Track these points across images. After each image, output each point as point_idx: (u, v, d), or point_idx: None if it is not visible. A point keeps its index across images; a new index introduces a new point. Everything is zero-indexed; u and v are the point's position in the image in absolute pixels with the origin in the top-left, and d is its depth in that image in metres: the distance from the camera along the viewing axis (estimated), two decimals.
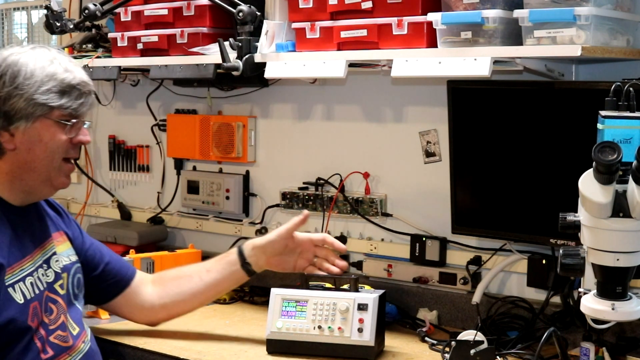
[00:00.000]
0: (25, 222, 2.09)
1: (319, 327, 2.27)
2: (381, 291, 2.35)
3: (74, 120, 2.06)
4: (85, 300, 2.27)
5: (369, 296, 2.29)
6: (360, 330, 2.25)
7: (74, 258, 2.22)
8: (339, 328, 2.26)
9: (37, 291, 2.02)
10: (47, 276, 2.08)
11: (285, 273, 2.47)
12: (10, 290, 1.96)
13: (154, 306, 2.41)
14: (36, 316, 2.00)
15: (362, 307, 2.27)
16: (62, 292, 2.11)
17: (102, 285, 2.35)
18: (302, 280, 2.38)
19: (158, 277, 2.48)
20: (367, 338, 2.25)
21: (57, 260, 2.14)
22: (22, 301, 1.98)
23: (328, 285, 2.40)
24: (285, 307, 2.31)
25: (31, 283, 2.02)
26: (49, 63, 2.04)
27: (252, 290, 2.96)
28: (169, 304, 2.42)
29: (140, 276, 2.43)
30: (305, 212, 2.42)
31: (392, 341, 2.42)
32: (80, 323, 2.17)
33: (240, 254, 2.42)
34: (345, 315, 2.27)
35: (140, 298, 2.40)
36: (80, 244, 2.30)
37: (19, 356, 1.96)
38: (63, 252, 2.18)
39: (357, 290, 2.33)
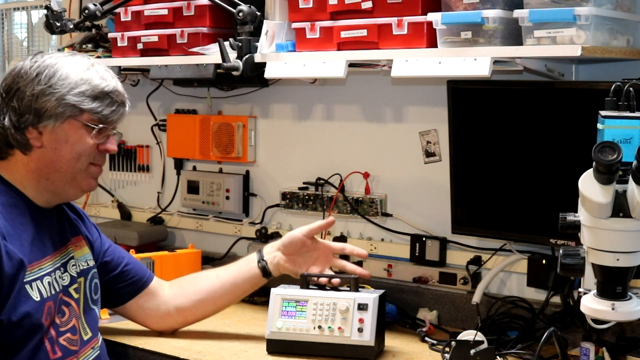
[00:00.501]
0: (48, 223, 2.11)
1: (319, 327, 2.27)
2: (381, 291, 2.35)
3: (101, 125, 2.07)
4: (102, 303, 2.28)
5: (369, 296, 2.29)
6: (360, 330, 2.25)
7: (92, 263, 2.23)
8: (339, 328, 2.25)
9: (53, 291, 2.04)
10: (63, 279, 2.10)
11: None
12: (27, 287, 1.97)
13: (169, 310, 2.41)
14: (49, 315, 2.01)
15: (362, 307, 2.27)
16: (76, 296, 2.12)
17: (119, 285, 2.36)
18: (302, 280, 2.38)
19: (176, 280, 2.49)
20: (367, 338, 2.25)
21: (74, 265, 2.15)
22: (39, 299, 1.99)
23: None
24: (285, 307, 2.31)
25: (49, 283, 2.03)
26: (85, 69, 2.07)
27: None
28: (184, 306, 2.42)
29: (157, 281, 2.44)
30: (331, 218, 2.46)
31: (392, 341, 2.42)
32: (95, 329, 2.18)
33: (259, 252, 2.44)
34: (345, 315, 2.26)
35: (156, 301, 2.41)
36: (99, 245, 2.32)
37: (30, 354, 1.97)
38: (81, 257, 2.19)
39: (357, 290, 2.33)
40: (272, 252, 2.44)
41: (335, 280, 2.37)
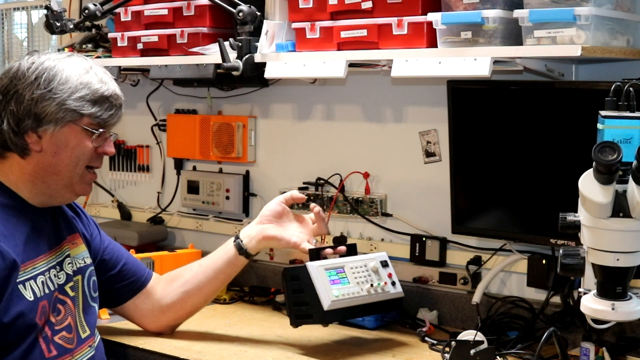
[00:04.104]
0: (42, 222, 2.10)
1: (371, 285, 2.34)
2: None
3: (101, 130, 2.08)
4: (100, 303, 2.27)
5: (383, 254, 2.47)
6: (393, 283, 2.41)
7: (89, 261, 2.23)
8: (385, 283, 2.38)
9: (47, 290, 2.03)
10: (59, 278, 2.09)
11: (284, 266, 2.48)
12: (20, 287, 1.97)
13: (162, 308, 2.41)
14: (44, 315, 2.01)
15: (384, 264, 2.43)
16: (72, 294, 2.12)
17: (117, 285, 2.36)
18: (312, 254, 2.36)
19: (165, 276, 2.48)
20: (400, 289, 2.43)
21: (69, 263, 2.15)
22: (32, 298, 1.98)
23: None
24: (330, 275, 2.32)
25: (42, 282, 2.03)
26: (84, 72, 2.06)
27: (252, 290, 2.96)
28: (174, 301, 2.40)
29: (155, 279, 2.44)
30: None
31: (392, 341, 2.42)
32: (93, 327, 2.18)
33: (236, 234, 2.44)
34: (378, 273, 2.39)
35: (151, 301, 2.40)
36: (98, 243, 2.31)
37: (25, 353, 1.96)
38: (77, 255, 2.19)
39: (356, 254, 2.44)
40: (249, 228, 2.42)
41: (342, 248, 2.41)
